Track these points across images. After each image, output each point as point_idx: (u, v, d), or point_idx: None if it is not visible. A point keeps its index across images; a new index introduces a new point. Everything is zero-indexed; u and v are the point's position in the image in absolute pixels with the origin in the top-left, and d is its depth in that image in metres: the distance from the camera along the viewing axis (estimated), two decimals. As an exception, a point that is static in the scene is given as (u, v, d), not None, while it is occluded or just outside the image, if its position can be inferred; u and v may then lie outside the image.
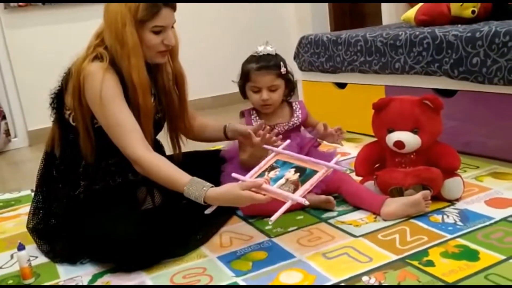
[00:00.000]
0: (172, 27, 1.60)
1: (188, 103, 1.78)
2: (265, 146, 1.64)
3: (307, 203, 1.38)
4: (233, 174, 1.58)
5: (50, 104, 1.62)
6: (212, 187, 1.42)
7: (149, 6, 1.51)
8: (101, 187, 1.60)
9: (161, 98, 1.70)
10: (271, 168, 1.55)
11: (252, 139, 1.66)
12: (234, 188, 1.40)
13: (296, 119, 1.88)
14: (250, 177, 1.53)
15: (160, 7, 1.52)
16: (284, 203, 1.38)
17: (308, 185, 1.43)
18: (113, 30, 1.51)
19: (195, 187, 1.42)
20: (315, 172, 1.47)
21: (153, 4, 1.51)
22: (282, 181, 1.46)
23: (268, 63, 1.79)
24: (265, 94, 1.80)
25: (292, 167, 1.52)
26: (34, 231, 1.67)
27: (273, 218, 1.36)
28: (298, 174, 1.48)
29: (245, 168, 1.68)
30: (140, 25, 1.52)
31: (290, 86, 1.86)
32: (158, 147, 1.77)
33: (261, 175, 1.54)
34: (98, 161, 1.60)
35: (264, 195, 1.40)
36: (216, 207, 1.44)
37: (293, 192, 1.40)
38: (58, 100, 1.60)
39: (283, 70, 1.80)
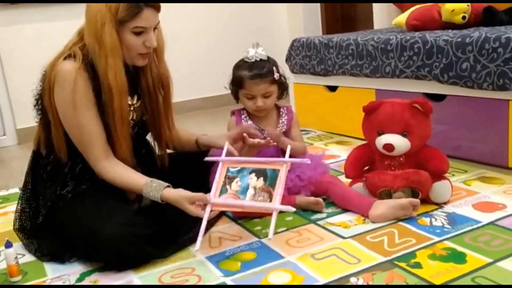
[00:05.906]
0: (156, 28, 1.55)
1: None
2: (206, 158, 1.67)
3: (293, 209, 1.38)
4: (206, 158, 1.64)
5: (34, 106, 1.60)
6: (168, 186, 1.50)
7: (130, 6, 1.46)
8: (88, 186, 1.59)
9: (145, 99, 1.66)
10: (229, 179, 1.52)
11: (246, 141, 1.67)
12: (182, 202, 1.46)
13: (281, 125, 1.86)
14: (214, 197, 1.50)
15: (142, 8, 1.47)
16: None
17: (280, 189, 1.41)
18: (92, 29, 1.47)
19: (153, 186, 1.49)
20: (275, 171, 1.45)
21: (134, 4, 1.46)
22: (251, 191, 1.43)
23: (261, 70, 1.75)
24: (259, 102, 1.78)
25: (250, 172, 1.49)
26: (21, 230, 1.65)
27: (270, 235, 1.38)
28: (262, 178, 1.46)
29: None
30: (120, 25, 1.47)
31: (283, 87, 1.85)
32: (147, 148, 1.77)
33: (222, 190, 1.51)
34: (75, 159, 1.58)
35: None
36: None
37: (270, 200, 1.39)
38: (41, 101, 1.57)
39: (276, 76, 1.78)
